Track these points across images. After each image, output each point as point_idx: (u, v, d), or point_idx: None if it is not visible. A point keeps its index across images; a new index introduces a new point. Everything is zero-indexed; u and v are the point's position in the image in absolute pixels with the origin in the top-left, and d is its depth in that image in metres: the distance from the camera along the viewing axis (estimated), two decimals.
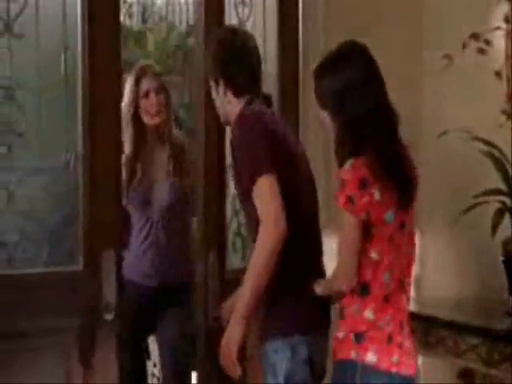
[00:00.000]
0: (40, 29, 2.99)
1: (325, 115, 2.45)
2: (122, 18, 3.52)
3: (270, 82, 3.42)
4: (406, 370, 2.39)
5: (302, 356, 2.49)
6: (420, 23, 3.66)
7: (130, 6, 7.50)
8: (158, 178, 3.47)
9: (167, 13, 6.46)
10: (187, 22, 6.27)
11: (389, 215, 2.36)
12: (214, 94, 2.70)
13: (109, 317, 3.00)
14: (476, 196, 3.11)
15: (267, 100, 2.68)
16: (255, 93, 2.64)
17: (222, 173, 3.33)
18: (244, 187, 2.51)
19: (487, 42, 3.25)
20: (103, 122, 3.06)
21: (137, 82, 3.43)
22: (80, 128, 3.06)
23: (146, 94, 3.42)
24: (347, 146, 2.37)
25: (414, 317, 3.14)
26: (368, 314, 2.39)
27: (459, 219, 3.10)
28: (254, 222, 2.50)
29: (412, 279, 2.48)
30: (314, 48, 3.45)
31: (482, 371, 3.05)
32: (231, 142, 2.60)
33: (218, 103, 2.69)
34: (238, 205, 3.26)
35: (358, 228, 2.35)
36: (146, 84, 3.43)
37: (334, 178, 2.38)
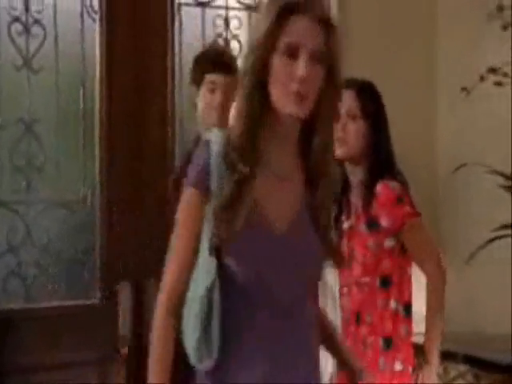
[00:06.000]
0: (59, 64, 3.04)
1: (364, 126, 2.44)
2: None
3: None
4: None
5: None
6: (435, 56, 3.67)
7: None
8: None
9: None
10: None
11: None
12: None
13: (124, 351, 3.00)
14: (494, 230, 3.08)
15: None
16: None
17: None
18: None
19: (505, 75, 3.24)
20: (120, 157, 3.09)
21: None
22: (97, 162, 3.08)
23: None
24: (386, 164, 2.43)
25: None
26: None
27: (477, 253, 3.07)
28: None
29: None
30: None
31: None
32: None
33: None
34: None
35: None
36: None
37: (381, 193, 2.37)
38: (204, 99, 2.71)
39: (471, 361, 3.07)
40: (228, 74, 2.68)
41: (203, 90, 2.71)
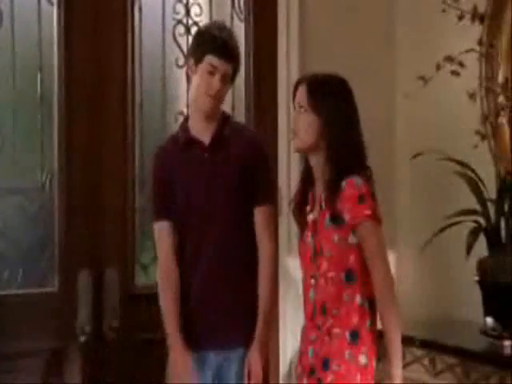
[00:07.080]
0: (16, 48, 3.00)
1: (314, 119, 2.43)
2: None
3: None
4: None
5: None
6: (394, 45, 3.70)
7: None
8: None
9: None
10: None
11: None
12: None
13: (83, 339, 2.98)
14: (450, 216, 3.13)
15: None
16: None
17: None
18: None
19: (461, 64, 3.28)
20: (79, 142, 3.07)
21: None
22: (56, 148, 3.06)
23: None
24: (349, 159, 2.41)
25: None
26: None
27: (434, 239, 3.11)
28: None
29: None
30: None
31: None
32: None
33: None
34: None
35: None
36: None
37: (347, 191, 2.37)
38: (201, 80, 2.66)
39: (428, 345, 3.12)
40: (229, 61, 2.66)
41: (202, 69, 2.66)
